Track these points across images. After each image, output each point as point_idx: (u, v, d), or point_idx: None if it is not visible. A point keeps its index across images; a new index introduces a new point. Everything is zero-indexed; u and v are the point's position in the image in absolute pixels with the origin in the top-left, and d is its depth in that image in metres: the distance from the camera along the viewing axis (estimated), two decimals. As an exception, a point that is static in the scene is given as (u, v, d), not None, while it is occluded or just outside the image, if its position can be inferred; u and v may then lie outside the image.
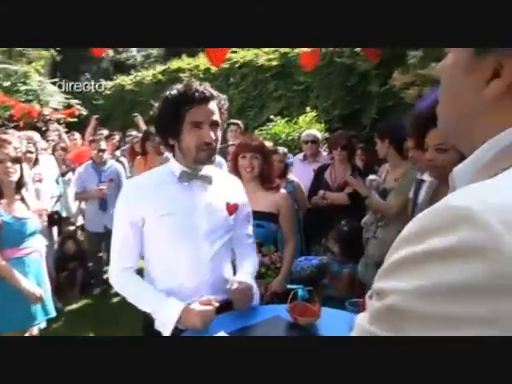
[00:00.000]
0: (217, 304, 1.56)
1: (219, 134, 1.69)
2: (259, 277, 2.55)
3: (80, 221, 5.33)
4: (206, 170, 1.72)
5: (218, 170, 1.82)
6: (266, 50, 7.77)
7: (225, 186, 1.80)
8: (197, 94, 1.59)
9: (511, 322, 0.41)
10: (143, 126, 7.11)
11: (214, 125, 1.63)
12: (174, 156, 1.72)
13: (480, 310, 0.41)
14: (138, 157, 4.99)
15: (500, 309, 0.41)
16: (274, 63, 7.95)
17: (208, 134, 1.60)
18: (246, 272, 1.82)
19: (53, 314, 2.80)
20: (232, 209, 1.78)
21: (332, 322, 1.49)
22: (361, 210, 3.45)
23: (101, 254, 5.04)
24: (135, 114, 7.47)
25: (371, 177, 3.16)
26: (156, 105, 1.71)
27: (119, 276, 1.69)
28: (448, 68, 0.63)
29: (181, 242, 1.64)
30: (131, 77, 12.41)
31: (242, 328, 1.49)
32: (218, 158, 4.86)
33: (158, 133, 1.75)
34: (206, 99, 1.61)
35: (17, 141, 3.61)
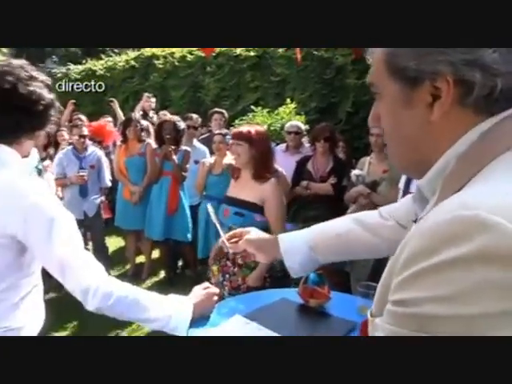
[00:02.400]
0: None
1: None
2: (239, 266, 2.60)
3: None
4: None
5: None
6: (245, 40, 7.75)
7: None
8: None
9: None
10: (119, 112, 7.03)
11: None
12: None
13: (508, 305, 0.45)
14: (118, 143, 4.95)
15: None
16: (252, 54, 7.97)
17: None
18: None
19: None
20: None
21: (340, 305, 1.59)
22: (342, 200, 3.58)
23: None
24: (111, 99, 7.35)
25: (356, 172, 3.27)
26: None
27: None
28: (387, 112, 0.68)
29: None
30: (102, 62, 12.13)
31: (255, 310, 1.55)
32: (201, 147, 4.89)
33: None
34: None
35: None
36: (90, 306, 1.32)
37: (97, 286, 1.31)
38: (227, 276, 2.65)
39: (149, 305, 1.37)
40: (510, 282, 0.45)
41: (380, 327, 0.55)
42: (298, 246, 1.36)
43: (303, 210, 3.70)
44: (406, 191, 2.46)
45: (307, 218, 3.41)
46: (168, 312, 1.39)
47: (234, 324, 1.46)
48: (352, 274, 2.99)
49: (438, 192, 0.61)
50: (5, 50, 13.21)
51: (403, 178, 2.59)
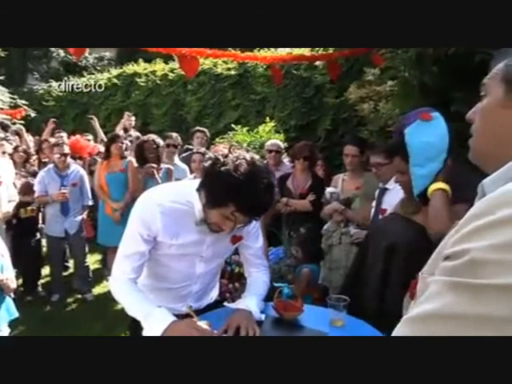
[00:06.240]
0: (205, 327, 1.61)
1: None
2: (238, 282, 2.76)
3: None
4: None
5: None
6: (225, 58, 7.89)
7: None
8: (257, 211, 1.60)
9: None
10: (99, 129, 7.08)
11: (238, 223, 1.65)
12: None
13: None
14: (100, 160, 4.99)
15: None
16: (233, 72, 8.10)
17: (227, 228, 1.63)
18: (250, 296, 1.84)
19: (16, 314, 2.83)
20: (236, 240, 1.87)
21: (312, 317, 1.66)
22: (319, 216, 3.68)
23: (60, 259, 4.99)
24: (91, 116, 7.40)
25: (330, 189, 3.37)
26: (227, 159, 1.60)
27: (123, 285, 1.76)
28: (485, 107, 0.82)
29: (181, 261, 1.83)
30: (84, 79, 12.16)
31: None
32: (182, 165, 4.95)
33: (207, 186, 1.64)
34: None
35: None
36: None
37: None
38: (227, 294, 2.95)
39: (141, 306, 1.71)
40: None
41: (433, 282, 0.62)
42: None
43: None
44: (378, 207, 2.55)
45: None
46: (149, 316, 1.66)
47: None
48: (330, 289, 3.07)
49: None
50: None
51: (376, 194, 2.70)
